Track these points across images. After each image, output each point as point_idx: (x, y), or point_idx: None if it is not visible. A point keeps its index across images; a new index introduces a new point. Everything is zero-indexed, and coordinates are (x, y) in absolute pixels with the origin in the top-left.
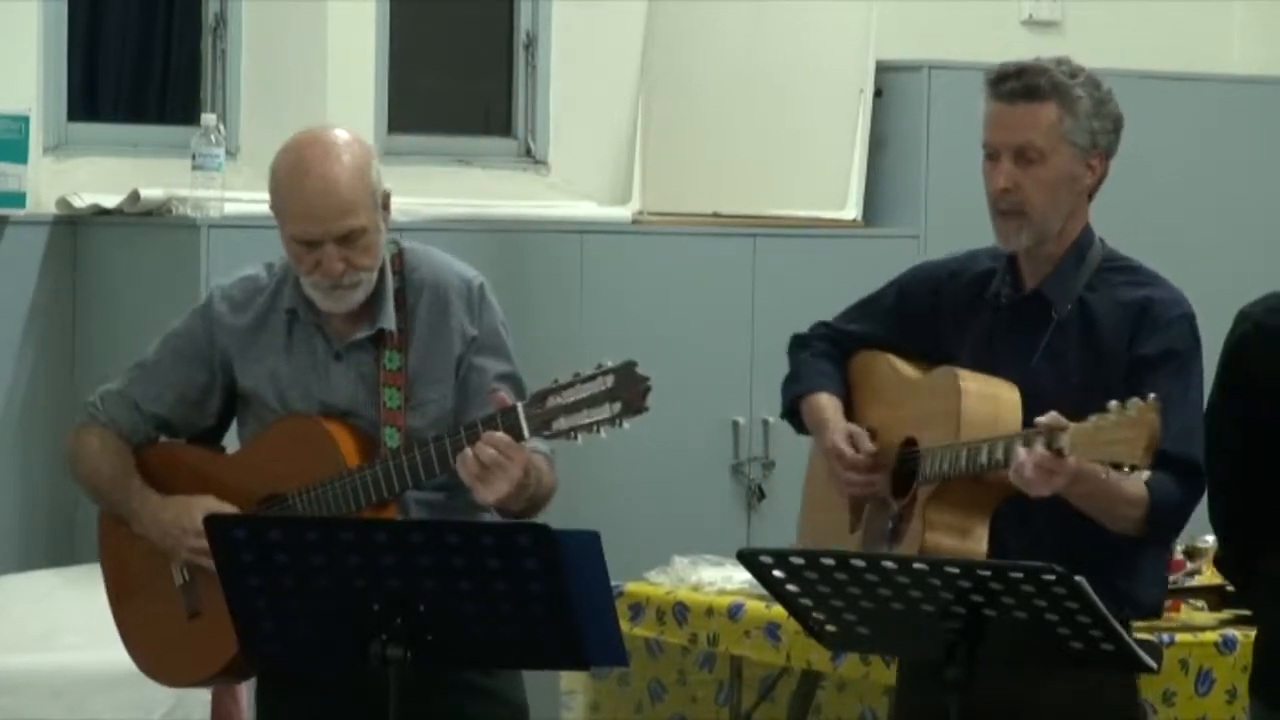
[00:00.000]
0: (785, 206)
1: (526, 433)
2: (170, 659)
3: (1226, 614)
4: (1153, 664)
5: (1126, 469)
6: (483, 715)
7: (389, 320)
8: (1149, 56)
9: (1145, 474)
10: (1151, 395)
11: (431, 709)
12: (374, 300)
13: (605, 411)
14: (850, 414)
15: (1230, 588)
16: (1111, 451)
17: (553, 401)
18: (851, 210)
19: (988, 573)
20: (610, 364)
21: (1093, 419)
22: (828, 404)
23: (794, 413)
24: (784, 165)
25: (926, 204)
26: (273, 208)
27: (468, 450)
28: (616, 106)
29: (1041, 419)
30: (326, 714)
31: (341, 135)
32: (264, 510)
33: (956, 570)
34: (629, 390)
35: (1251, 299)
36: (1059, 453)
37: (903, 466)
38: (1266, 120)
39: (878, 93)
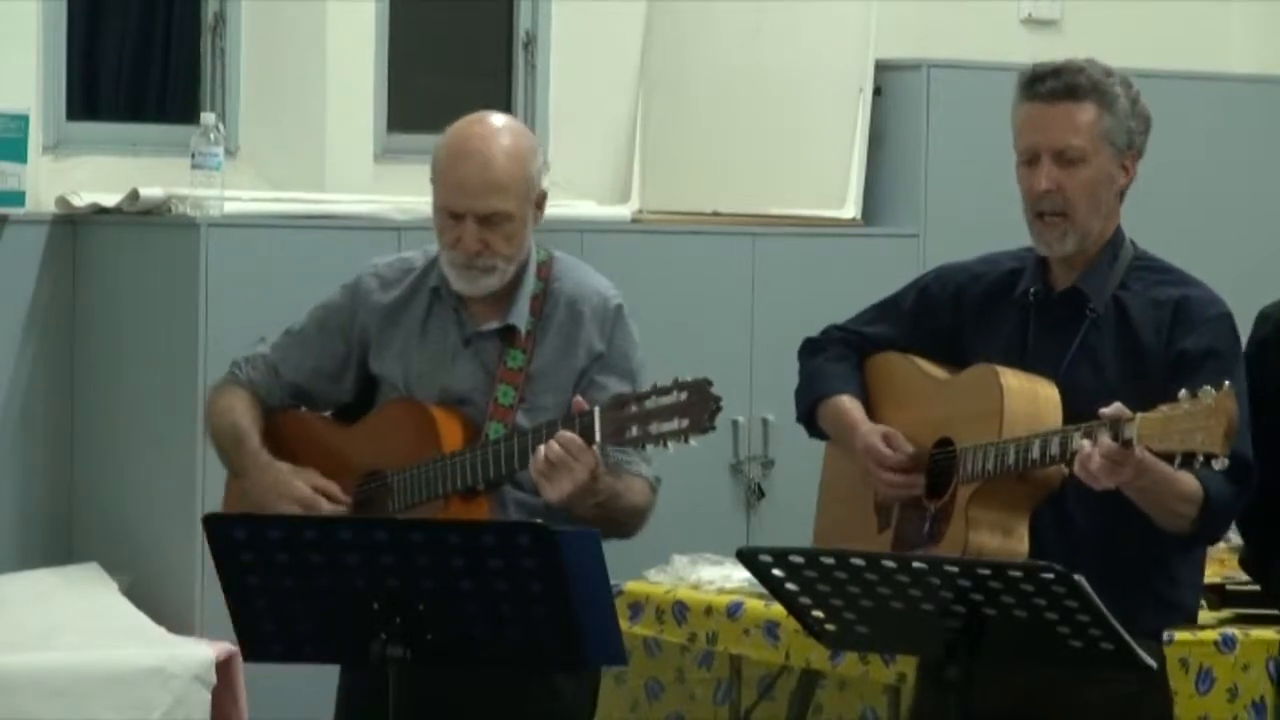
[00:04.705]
0: (785, 205)
1: (598, 435)
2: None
3: (1226, 613)
4: (1152, 663)
5: (1200, 459)
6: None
7: (521, 318)
8: (1148, 56)
9: (1224, 462)
10: (1226, 383)
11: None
12: (511, 296)
13: (674, 425)
14: (870, 417)
15: (1229, 587)
16: (1188, 440)
17: (630, 409)
18: (851, 209)
19: (987, 571)
20: (687, 379)
21: (1162, 408)
22: (851, 406)
23: (810, 417)
24: (783, 164)
25: (926, 203)
26: (431, 174)
27: (540, 447)
28: (616, 106)
29: (1106, 410)
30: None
31: (512, 123)
32: (365, 485)
33: (956, 569)
34: (699, 408)
35: (1252, 298)
36: (1127, 444)
37: (935, 468)
38: (1266, 120)
39: (877, 91)
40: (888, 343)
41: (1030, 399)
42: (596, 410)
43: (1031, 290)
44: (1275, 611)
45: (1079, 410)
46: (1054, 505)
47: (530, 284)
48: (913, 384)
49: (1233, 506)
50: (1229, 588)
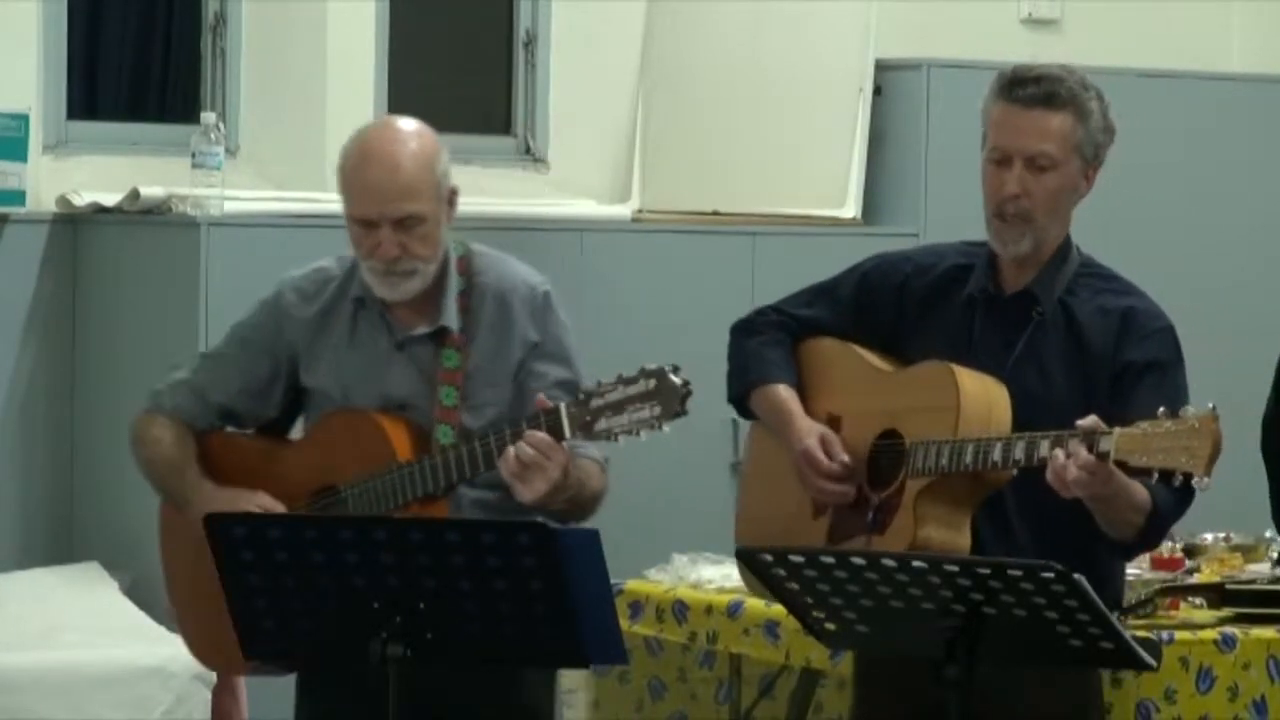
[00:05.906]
0: (785, 205)
1: (568, 432)
2: (224, 647)
3: (1226, 612)
4: (1152, 662)
5: (1179, 477)
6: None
7: (450, 319)
8: (1147, 55)
9: (1205, 482)
10: (1211, 404)
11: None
12: (437, 297)
13: (645, 414)
14: (804, 401)
15: (1228, 586)
16: (1168, 459)
17: (596, 403)
18: (851, 208)
19: (987, 571)
20: (652, 367)
21: (1142, 425)
22: (788, 397)
23: (742, 400)
24: (783, 163)
25: (926, 202)
26: (339, 188)
27: (510, 449)
28: (616, 105)
29: (1082, 422)
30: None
31: (413, 125)
32: (317, 502)
33: (956, 568)
34: (669, 394)
35: (1250, 297)
36: (1103, 456)
37: (878, 457)
38: (1265, 120)
39: (877, 91)
40: (822, 327)
41: (984, 400)
42: (563, 407)
43: (980, 290)
44: (1275, 611)
45: (1023, 411)
46: (991, 502)
47: (454, 282)
48: (855, 373)
49: (1175, 517)
50: (1229, 587)
